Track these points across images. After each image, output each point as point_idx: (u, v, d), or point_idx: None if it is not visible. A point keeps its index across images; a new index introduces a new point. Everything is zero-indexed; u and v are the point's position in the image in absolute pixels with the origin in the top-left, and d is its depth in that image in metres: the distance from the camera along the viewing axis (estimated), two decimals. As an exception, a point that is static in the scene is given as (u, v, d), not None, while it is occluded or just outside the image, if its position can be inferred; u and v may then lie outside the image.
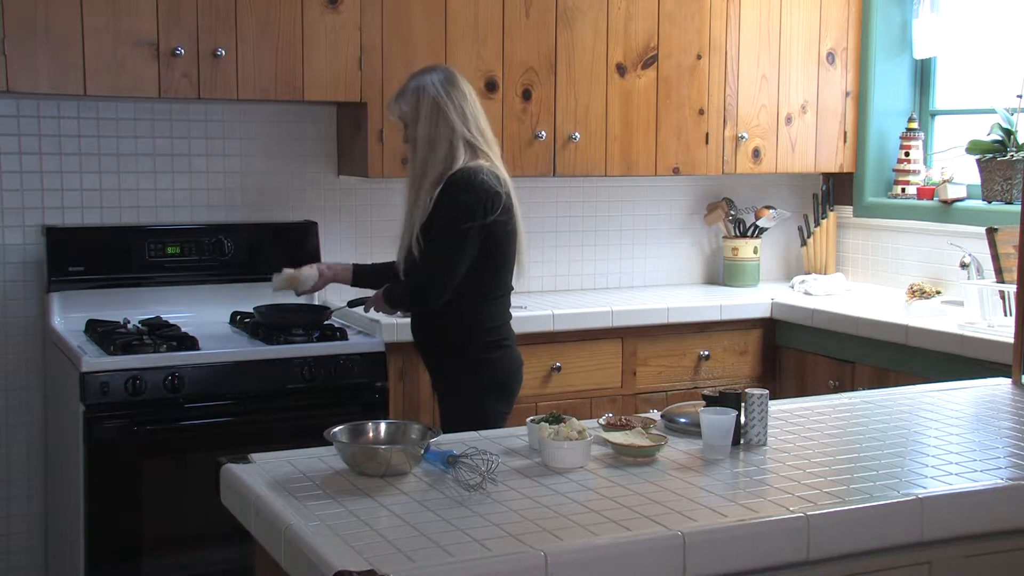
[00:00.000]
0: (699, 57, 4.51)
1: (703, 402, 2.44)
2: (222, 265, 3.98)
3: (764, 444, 2.34)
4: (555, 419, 2.32)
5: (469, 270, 3.14)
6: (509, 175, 3.23)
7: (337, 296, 4.19)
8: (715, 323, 4.35)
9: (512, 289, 3.31)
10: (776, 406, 2.65)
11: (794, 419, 2.58)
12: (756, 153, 4.67)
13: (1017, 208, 3.95)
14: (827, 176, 5.04)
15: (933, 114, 4.89)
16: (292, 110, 4.18)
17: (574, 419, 2.33)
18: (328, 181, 4.27)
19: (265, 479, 2.10)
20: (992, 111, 4.34)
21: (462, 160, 3.16)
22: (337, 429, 2.22)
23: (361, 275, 3.57)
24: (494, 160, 3.22)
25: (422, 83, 3.23)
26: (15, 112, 3.81)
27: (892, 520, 2.01)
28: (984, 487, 2.13)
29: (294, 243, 4.11)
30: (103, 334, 3.54)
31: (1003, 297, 3.74)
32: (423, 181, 3.18)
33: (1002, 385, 2.99)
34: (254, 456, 2.23)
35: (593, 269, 4.80)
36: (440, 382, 3.33)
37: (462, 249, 3.11)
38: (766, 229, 4.93)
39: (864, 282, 4.91)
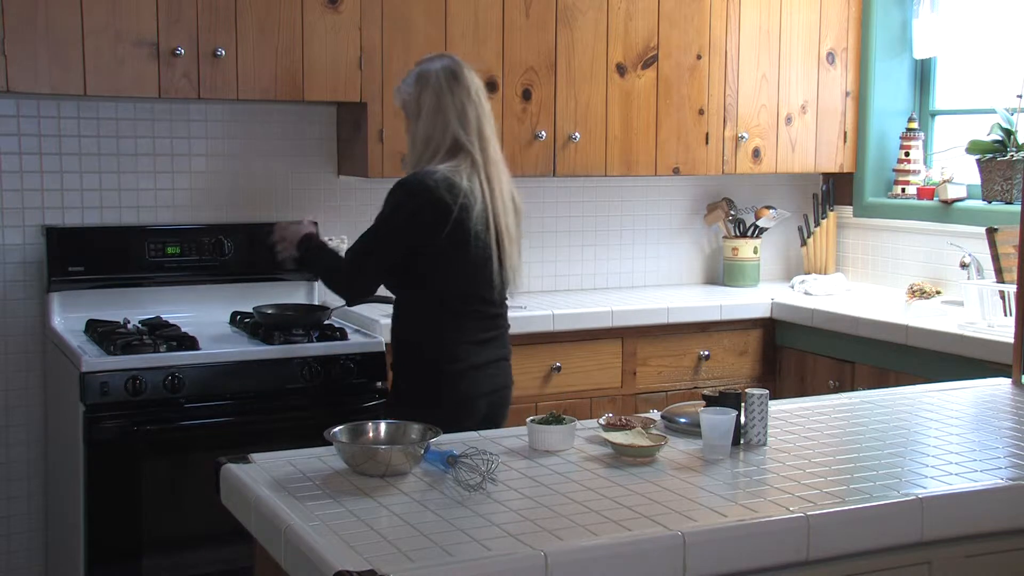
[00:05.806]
0: (699, 57, 4.51)
1: (703, 402, 2.43)
2: (222, 265, 3.98)
3: (764, 444, 2.34)
4: (556, 419, 2.33)
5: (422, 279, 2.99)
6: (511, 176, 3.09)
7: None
8: (715, 323, 4.35)
9: (489, 302, 3.05)
10: (776, 406, 2.65)
11: (794, 419, 2.58)
12: (756, 153, 4.67)
13: (1017, 208, 3.95)
14: (827, 176, 5.04)
15: (933, 114, 4.89)
16: (292, 110, 4.18)
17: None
18: (328, 181, 4.27)
19: (265, 479, 2.10)
20: (992, 111, 4.34)
21: (436, 163, 2.96)
22: (337, 429, 2.22)
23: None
24: (479, 164, 2.97)
25: (426, 72, 3.02)
26: (15, 112, 3.80)
27: (892, 520, 2.01)
28: (984, 487, 2.13)
29: (294, 243, 4.11)
30: (103, 334, 3.54)
31: (1003, 297, 3.74)
32: None
33: (1002, 385, 2.99)
34: (254, 456, 2.23)
35: (593, 269, 4.79)
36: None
37: (380, 249, 3.01)
38: (766, 229, 4.92)
39: (864, 282, 4.91)
